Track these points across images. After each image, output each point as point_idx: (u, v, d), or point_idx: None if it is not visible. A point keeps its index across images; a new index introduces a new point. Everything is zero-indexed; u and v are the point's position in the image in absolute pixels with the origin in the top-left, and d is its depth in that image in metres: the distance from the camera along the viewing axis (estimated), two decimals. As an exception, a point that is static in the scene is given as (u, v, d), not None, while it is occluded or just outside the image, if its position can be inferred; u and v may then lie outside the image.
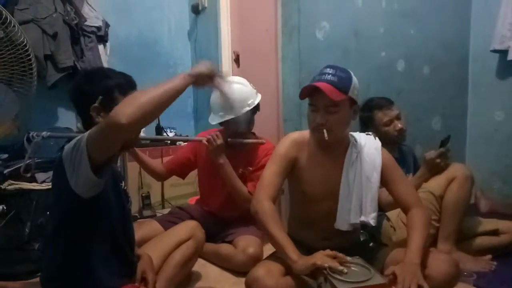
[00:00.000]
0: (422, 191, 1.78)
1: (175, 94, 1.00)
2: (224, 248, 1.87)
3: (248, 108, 1.89)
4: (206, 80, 1.11)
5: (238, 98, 1.85)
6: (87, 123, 1.14)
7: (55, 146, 2.24)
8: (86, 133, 0.99)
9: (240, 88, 1.92)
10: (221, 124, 1.95)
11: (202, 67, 1.10)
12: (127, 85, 1.16)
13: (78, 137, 1.01)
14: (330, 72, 1.31)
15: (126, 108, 0.91)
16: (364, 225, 1.51)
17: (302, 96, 1.34)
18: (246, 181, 1.95)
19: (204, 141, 1.85)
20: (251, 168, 1.97)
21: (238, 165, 1.96)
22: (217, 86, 1.15)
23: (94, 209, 1.08)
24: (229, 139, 1.89)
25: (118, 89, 1.13)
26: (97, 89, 1.12)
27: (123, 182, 1.31)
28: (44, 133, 1.58)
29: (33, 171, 1.95)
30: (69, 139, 1.07)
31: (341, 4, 2.20)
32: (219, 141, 1.83)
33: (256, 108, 1.95)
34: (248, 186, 1.92)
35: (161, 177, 2.14)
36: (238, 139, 1.93)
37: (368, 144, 1.44)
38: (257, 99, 1.95)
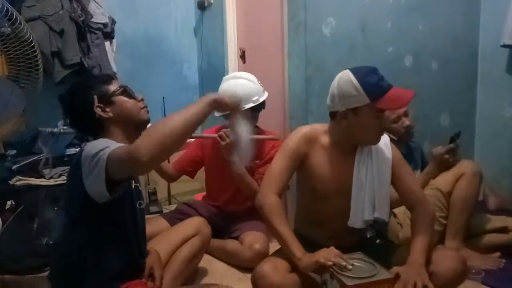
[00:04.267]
0: (430, 188, 1.77)
1: (197, 122, 0.98)
2: (231, 244, 1.88)
3: (252, 104, 1.89)
4: (225, 110, 1.11)
5: (243, 93, 1.86)
6: (92, 127, 1.19)
7: (63, 141, 2.26)
8: (108, 148, 0.97)
9: (247, 84, 1.93)
10: (226, 118, 1.94)
11: (226, 97, 1.08)
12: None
13: (101, 146, 0.99)
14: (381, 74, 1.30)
15: (148, 145, 0.89)
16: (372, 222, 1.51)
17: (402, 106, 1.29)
18: (253, 174, 1.96)
19: (217, 137, 1.85)
20: (257, 161, 1.98)
21: None
22: (232, 122, 1.13)
23: (108, 210, 1.08)
24: None
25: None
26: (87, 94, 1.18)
27: (139, 182, 1.31)
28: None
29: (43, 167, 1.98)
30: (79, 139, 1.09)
31: (348, -1, 2.18)
32: (232, 136, 1.84)
33: (261, 105, 1.95)
34: (256, 179, 1.93)
35: (172, 178, 2.15)
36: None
37: None
38: (263, 97, 1.95)
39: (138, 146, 0.89)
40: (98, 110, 1.16)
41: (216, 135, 1.86)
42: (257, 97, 1.92)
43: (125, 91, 1.22)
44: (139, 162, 0.88)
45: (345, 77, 1.29)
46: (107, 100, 1.17)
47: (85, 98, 1.16)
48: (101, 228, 1.10)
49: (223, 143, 1.83)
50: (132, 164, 0.91)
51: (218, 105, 1.05)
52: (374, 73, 1.28)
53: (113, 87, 1.20)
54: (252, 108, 1.90)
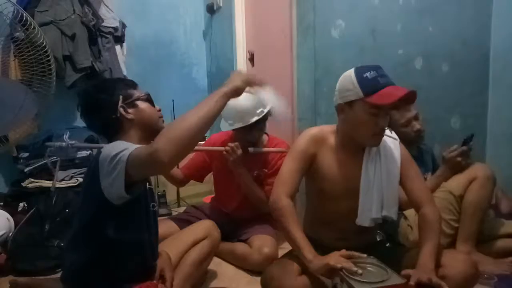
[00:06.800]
0: (442, 190, 1.75)
1: (213, 117, 1.00)
2: (240, 247, 1.88)
3: (257, 118, 1.86)
4: (242, 91, 1.12)
5: (247, 107, 1.84)
6: (110, 126, 1.20)
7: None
8: (127, 150, 0.99)
9: (249, 97, 1.90)
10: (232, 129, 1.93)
11: (237, 81, 1.09)
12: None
13: (120, 148, 1.01)
14: (385, 73, 1.30)
15: (167, 145, 0.91)
16: (381, 225, 1.49)
17: (395, 103, 1.26)
18: (261, 183, 1.96)
19: (224, 152, 1.85)
20: (266, 170, 1.97)
21: (253, 167, 1.96)
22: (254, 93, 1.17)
23: (123, 212, 1.09)
24: (250, 149, 1.88)
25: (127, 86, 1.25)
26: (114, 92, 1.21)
27: (152, 184, 1.33)
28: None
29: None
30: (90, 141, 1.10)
31: (357, 2, 2.18)
32: (239, 151, 1.83)
33: (267, 114, 1.90)
34: (266, 190, 1.91)
35: (180, 183, 2.17)
36: (259, 148, 1.93)
37: (386, 139, 1.42)
38: (268, 107, 1.89)
39: (157, 147, 0.91)
40: (121, 110, 1.19)
41: (223, 148, 1.86)
42: (261, 109, 1.87)
43: (149, 98, 1.27)
44: (160, 163, 0.90)
45: (346, 74, 1.33)
46: (131, 102, 1.21)
47: (111, 95, 1.20)
48: (115, 230, 1.11)
49: (231, 158, 1.83)
50: (153, 164, 0.93)
51: (233, 93, 1.07)
52: (374, 70, 1.28)
53: (137, 92, 1.25)
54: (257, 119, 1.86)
